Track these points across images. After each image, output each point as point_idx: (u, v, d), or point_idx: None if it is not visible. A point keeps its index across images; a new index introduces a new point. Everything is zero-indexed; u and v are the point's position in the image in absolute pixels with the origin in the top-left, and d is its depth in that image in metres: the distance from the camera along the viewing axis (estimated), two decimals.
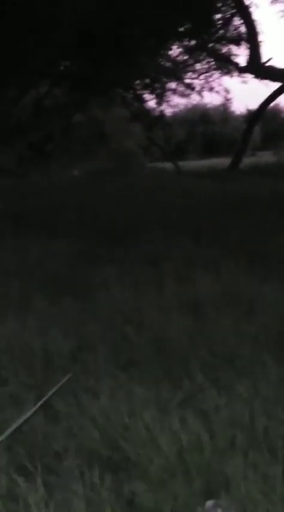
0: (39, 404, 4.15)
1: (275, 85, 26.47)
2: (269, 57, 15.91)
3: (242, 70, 20.98)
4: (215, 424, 4.07)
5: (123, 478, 3.71)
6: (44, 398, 4.17)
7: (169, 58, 27.52)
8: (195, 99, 34.97)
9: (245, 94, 48.25)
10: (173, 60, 27.88)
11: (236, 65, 21.94)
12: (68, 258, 9.29)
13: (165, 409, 4.36)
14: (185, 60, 28.31)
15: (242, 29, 20.64)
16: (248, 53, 17.26)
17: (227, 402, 4.33)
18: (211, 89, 31.34)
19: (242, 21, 19.55)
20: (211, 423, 4.10)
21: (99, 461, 3.84)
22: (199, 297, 6.96)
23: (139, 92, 30.94)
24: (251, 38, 16.76)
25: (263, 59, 15.88)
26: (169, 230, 10.63)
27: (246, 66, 17.73)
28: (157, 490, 3.52)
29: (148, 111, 32.34)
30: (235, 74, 27.50)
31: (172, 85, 31.38)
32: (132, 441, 3.96)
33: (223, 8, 20.70)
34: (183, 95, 32.22)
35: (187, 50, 24.73)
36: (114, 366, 5.20)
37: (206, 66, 29.58)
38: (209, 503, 3.41)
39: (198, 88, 31.66)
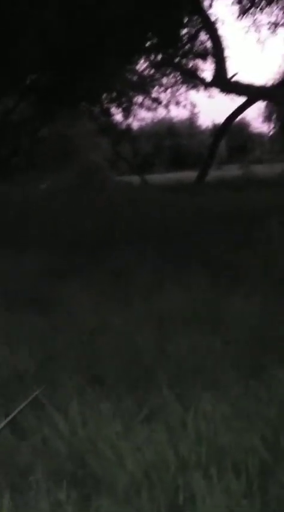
0: (6, 420, 4.12)
1: (241, 99, 26.74)
2: (235, 72, 16.05)
3: (208, 85, 21.13)
4: (180, 440, 4.07)
5: (90, 494, 3.70)
6: (12, 415, 4.14)
7: (136, 72, 27.67)
8: (161, 113, 35.20)
9: (211, 108, 48.71)
10: (140, 75, 28.03)
11: (202, 79, 22.10)
12: (35, 271, 9.26)
13: (131, 424, 4.36)
14: (152, 75, 28.48)
15: (209, 44, 20.82)
16: (214, 68, 17.37)
17: (193, 417, 4.33)
18: (177, 103, 31.60)
19: (208, 36, 19.69)
20: (177, 438, 4.10)
21: (66, 477, 3.82)
22: (166, 311, 6.97)
23: (106, 106, 31.04)
24: (217, 53, 16.88)
25: (229, 73, 15.98)
26: (136, 243, 10.63)
27: (212, 81, 17.85)
28: (123, 506, 3.51)
29: (115, 125, 32.42)
30: (202, 88, 27.77)
31: (139, 99, 31.58)
32: (99, 457, 3.95)
33: (189, 23, 20.86)
34: (149, 109, 32.44)
35: (154, 65, 24.85)
36: (81, 380, 5.18)
37: (173, 80, 29.81)
38: None
39: (164, 102, 31.90)
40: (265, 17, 23.12)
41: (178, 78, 29.20)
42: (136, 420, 4.43)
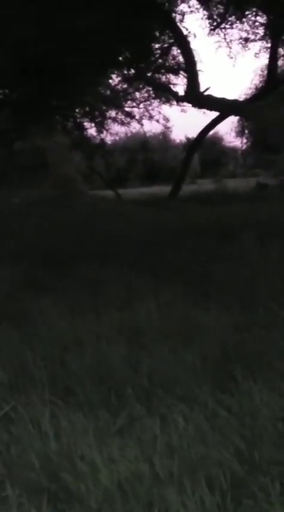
0: None
1: (214, 114, 26.91)
2: (207, 87, 16.12)
3: (180, 99, 21.22)
4: (153, 453, 4.06)
5: (63, 508, 3.68)
6: None
7: (109, 86, 27.76)
8: (135, 127, 35.32)
9: (184, 122, 48.91)
10: (113, 89, 28.12)
11: (175, 93, 22.20)
12: (8, 285, 9.23)
13: (104, 438, 4.34)
14: (125, 89, 28.59)
15: (181, 58, 20.94)
16: (187, 82, 17.45)
17: (165, 430, 4.33)
18: (150, 117, 31.72)
19: (180, 50, 19.80)
20: (150, 452, 4.09)
21: (39, 492, 3.80)
22: (137, 325, 6.96)
23: (79, 120, 31.07)
24: (189, 68, 16.93)
25: (201, 88, 16.05)
26: (108, 257, 10.63)
27: (184, 95, 17.90)
28: None
29: (88, 139, 32.44)
30: (174, 102, 27.92)
31: (112, 113, 31.66)
32: (72, 471, 3.93)
33: (161, 38, 20.97)
34: (123, 123, 32.52)
35: (127, 79, 24.95)
36: (53, 394, 5.15)
37: (145, 94, 29.95)
38: None
39: (137, 116, 32.03)
40: (236, 32, 23.40)
41: (151, 93, 29.39)
42: (109, 433, 4.42)
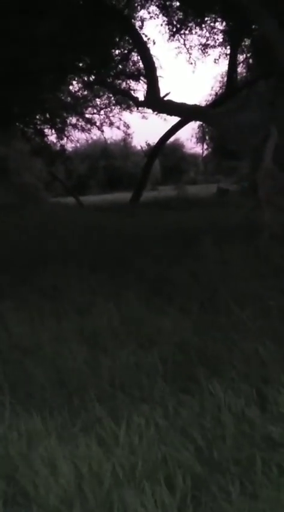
0: None
1: (174, 120, 27.01)
2: (167, 92, 16.16)
3: (140, 104, 21.25)
4: (113, 454, 4.04)
5: (20, 511, 3.64)
6: None
7: (69, 93, 27.70)
8: (95, 134, 35.26)
9: (145, 129, 48.92)
10: (73, 95, 28.06)
11: (135, 99, 22.24)
12: None
13: (63, 439, 4.31)
14: (85, 95, 28.56)
15: (141, 64, 20.98)
16: (147, 88, 17.48)
17: (126, 431, 4.31)
18: (111, 124, 31.71)
19: (140, 56, 19.85)
20: (111, 453, 4.07)
21: None
22: (98, 328, 6.94)
23: (39, 127, 30.94)
24: (149, 73, 16.95)
25: (162, 93, 16.09)
26: (68, 262, 10.58)
27: (144, 100, 17.92)
28: None
29: (49, 146, 32.30)
30: (135, 109, 27.97)
31: (73, 120, 31.58)
32: (30, 472, 3.89)
33: (121, 44, 21.00)
34: (83, 130, 32.45)
35: (87, 85, 24.92)
36: (13, 398, 5.11)
37: (106, 101, 29.95)
38: None
39: (98, 123, 32.01)
40: (195, 38, 23.52)
41: (111, 99, 29.41)
42: (70, 435, 4.39)
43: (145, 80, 21.37)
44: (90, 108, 30.99)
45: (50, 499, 3.63)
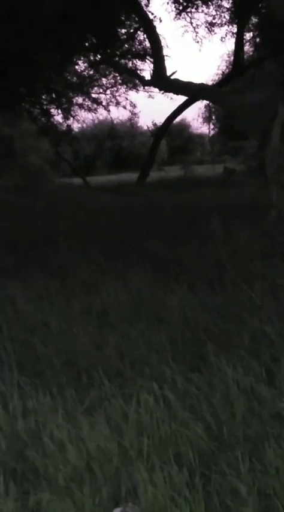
0: None
1: (181, 99, 26.87)
2: (174, 71, 16.07)
3: (147, 83, 21.13)
4: (123, 431, 4.05)
5: (30, 488, 3.65)
6: None
7: (75, 73, 27.57)
8: (102, 113, 35.15)
9: (152, 109, 48.72)
10: (79, 75, 27.94)
11: (141, 77, 22.10)
12: None
13: (72, 417, 4.32)
14: (91, 75, 28.43)
15: (147, 43, 20.85)
16: (153, 67, 17.37)
17: (135, 409, 4.31)
18: (117, 104, 31.58)
19: (146, 35, 19.71)
20: (119, 430, 4.08)
21: (5, 472, 3.76)
22: (106, 307, 6.95)
23: (46, 107, 30.83)
24: (155, 52, 16.84)
25: (168, 72, 15.99)
26: (76, 243, 10.57)
27: (151, 79, 17.81)
28: (63, 499, 3.47)
29: (55, 126, 32.20)
30: (141, 88, 27.85)
31: (79, 100, 31.47)
32: (39, 451, 3.90)
33: (127, 23, 20.85)
34: (89, 110, 32.33)
35: (93, 65, 24.79)
36: (22, 376, 5.12)
37: (112, 81, 29.83)
38: (116, 510, 3.39)
39: (104, 102, 31.88)
40: (202, 17, 23.37)
41: (117, 79, 29.29)
42: (78, 413, 4.39)
43: (151, 59, 21.25)
44: (96, 88, 30.87)
45: (59, 476, 3.64)
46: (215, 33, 24.71)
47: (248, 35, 25.35)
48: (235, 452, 3.78)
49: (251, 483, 3.50)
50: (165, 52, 17.18)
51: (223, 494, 3.50)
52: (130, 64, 24.50)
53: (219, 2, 21.66)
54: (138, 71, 24.30)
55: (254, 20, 22.97)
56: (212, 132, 50.41)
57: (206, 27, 23.60)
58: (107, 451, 3.82)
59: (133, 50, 23.08)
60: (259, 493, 3.45)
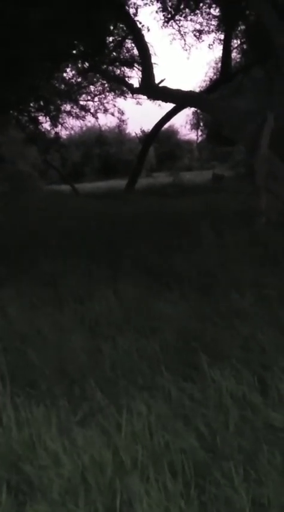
0: None
1: (169, 106, 26.93)
2: (162, 79, 16.14)
3: (135, 91, 21.18)
4: (116, 442, 4.05)
5: (24, 500, 3.64)
6: None
7: (63, 80, 27.59)
8: (90, 121, 35.19)
9: (140, 116, 48.82)
10: (67, 82, 27.95)
11: (129, 85, 22.14)
12: None
13: (66, 428, 4.32)
14: (79, 82, 28.46)
15: (135, 51, 20.92)
16: (141, 75, 17.43)
17: (128, 420, 4.31)
18: (105, 111, 31.63)
19: (134, 43, 19.79)
20: (113, 441, 4.08)
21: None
22: (98, 316, 6.95)
23: (33, 114, 30.83)
24: (144, 60, 16.92)
25: (156, 80, 16.06)
26: (66, 251, 10.57)
27: (139, 87, 17.87)
28: (59, 510, 3.47)
29: (43, 134, 32.20)
30: (129, 95, 27.90)
31: (67, 107, 31.49)
32: (34, 462, 3.90)
33: (115, 31, 20.91)
34: (78, 117, 32.35)
35: (81, 72, 24.82)
36: (14, 386, 5.11)
37: (100, 88, 29.87)
38: None
39: (92, 110, 31.92)
40: (190, 25, 23.47)
41: (105, 86, 29.34)
42: (72, 424, 4.39)
43: (139, 67, 21.31)
44: (84, 95, 30.90)
45: (54, 488, 3.64)
46: (203, 40, 24.87)
47: (235, 42, 25.48)
48: (229, 462, 3.78)
49: (246, 493, 3.51)
50: (153, 60, 17.23)
51: (217, 504, 3.50)
52: (118, 71, 24.54)
53: (207, 9, 21.73)
54: (126, 78, 24.37)
55: (241, 27, 23.10)
56: (200, 138, 50.58)
57: (194, 34, 23.74)
58: (101, 462, 3.82)
59: (122, 57, 23.13)
60: (253, 502, 3.46)
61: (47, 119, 31.39)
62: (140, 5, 20.65)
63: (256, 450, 3.89)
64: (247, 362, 5.26)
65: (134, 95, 26.78)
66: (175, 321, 6.52)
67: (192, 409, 4.49)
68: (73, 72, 26.31)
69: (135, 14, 19.84)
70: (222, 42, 24.15)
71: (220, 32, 23.77)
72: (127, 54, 23.14)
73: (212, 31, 23.62)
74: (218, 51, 47.17)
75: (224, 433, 4.12)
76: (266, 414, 4.31)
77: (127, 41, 22.12)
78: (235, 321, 6.31)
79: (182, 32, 23.54)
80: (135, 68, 23.72)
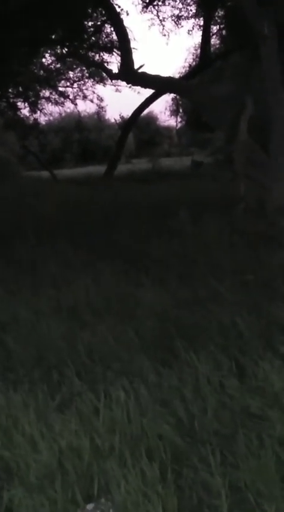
0: None
1: (148, 92, 26.83)
2: (141, 64, 16.10)
3: (114, 77, 21.06)
4: (94, 427, 4.05)
5: (2, 485, 3.64)
6: None
7: (42, 66, 27.41)
8: (69, 107, 35.01)
9: (119, 102, 48.73)
10: (46, 68, 27.77)
11: (108, 71, 22.03)
12: None
13: (44, 414, 4.31)
14: (58, 68, 28.27)
15: (114, 36, 20.80)
16: (120, 60, 17.35)
17: (106, 405, 4.32)
18: (84, 97, 31.45)
19: (113, 28, 19.66)
20: (91, 426, 4.08)
21: None
22: (76, 302, 6.94)
23: (12, 100, 30.62)
24: (123, 45, 16.83)
25: (136, 66, 16.00)
26: (45, 237, 10.53)
27: (118, 72, 17.80)
28: (36, 496, 3.47)
29: (22, 120, 32.02)
30: (108, 82, 27.77)
31: (46, 93, 31.29)
32: (11, 447, 3.89)
33: (94, 15, 20.76)
34: (56, 103, 32.15)
35: (60, 58, 24.66)
36: None
37: (79, 74, 29.69)
38: (89, 506, 3.40)
39: (71, 96, 31.73)
40: (168, 10, 23.39)
41: (84, 72, 29.16)
42: (50, 409, 4.39)
43: (118, 52, 21.19)
44: (63, 81, 30.68)
45: (31, 473, 3.64)
46: (182, 26, 24.79)
47: (215, 28, 25.39)
48: (206, 447, 3.79)
49: (223, 477, 3.52)
50: (132, 45, 17.17)
51: (194, 488, 3.51)
52: (97, 57, 24.39)
53: None
54: (106, 64, 24.22)
55: (220, 12, 23.02)
56: (179, 125, 50.45)
57: (173, 20, 23.63)
58: (79, 448, 3.82)
59: (100, 42, 22.99)
60: (230, 486, 3.47)
61: (26, 104, 31.20)
62: None
63: (233, 434, 3.90)
64: (225, 347, 5.27)
65: (113, 82, 26.68)
66: (154, 306, 6.52)
67: (169, 394, 4.50)
68: (52, 58, 26.16)
69: None
70: (201, 28, 24.07)
71: (199, 18, 23.72)
72: (106, 39, 23.00)
73: (191, 17, 23.57)
74: (197, 37, 47.02)
75: (202, 418, 4.13)
76: (243, 400, 4.32)
77: (106, 25, 21.99)
78: (214, 306, 6.32)
79: (161, 17, 23.46)
80: (114, 53, 23.59)
